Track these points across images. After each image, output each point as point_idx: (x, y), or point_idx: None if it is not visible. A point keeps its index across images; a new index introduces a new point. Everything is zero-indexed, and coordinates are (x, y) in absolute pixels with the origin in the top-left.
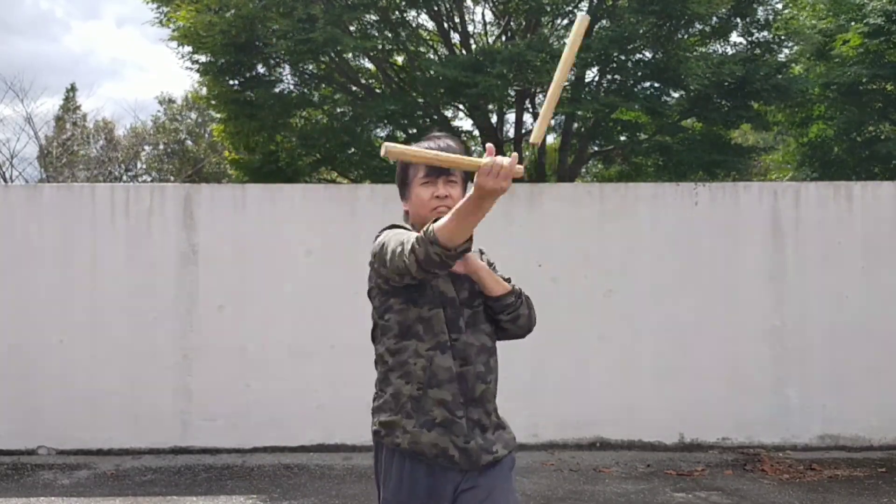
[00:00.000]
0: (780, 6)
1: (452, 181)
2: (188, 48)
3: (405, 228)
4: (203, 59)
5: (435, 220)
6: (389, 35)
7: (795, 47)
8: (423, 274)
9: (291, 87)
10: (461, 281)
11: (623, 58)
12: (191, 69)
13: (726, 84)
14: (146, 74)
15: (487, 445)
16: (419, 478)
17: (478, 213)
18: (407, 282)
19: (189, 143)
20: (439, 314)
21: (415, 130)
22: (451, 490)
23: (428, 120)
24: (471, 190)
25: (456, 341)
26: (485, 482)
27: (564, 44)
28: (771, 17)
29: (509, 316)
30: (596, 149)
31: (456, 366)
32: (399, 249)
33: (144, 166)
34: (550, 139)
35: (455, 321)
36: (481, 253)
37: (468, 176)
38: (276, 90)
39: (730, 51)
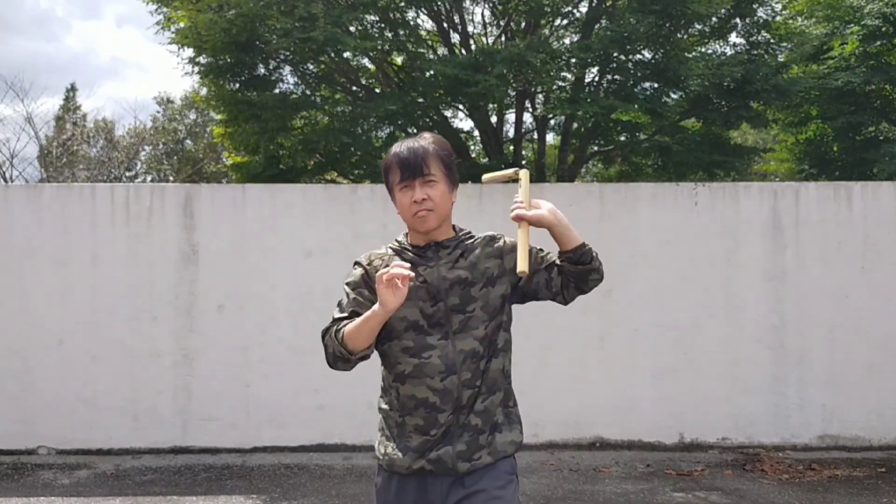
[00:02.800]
0: (778, 7)
1: (431, 181)
2: (189, 51)
3: (353, 277)
4: (204, 60)
5: (348, 319)
6: (389, 35)
7: (793, 49)
8: (332, 365)
9: (292, 87)
10: (444, 293)
11: (623, 58)
12: (191, 73)
13: (726, 84)
14: (146, 74)
15: (469, 453)
16: (407, 486)
17: (380, 325)
18: None
19: (189, 142)
20: (392, 347)
21: (414, 130)
22: (440, 488)
23: (428, 120)
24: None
25: (428, 360)
26: (472, 487)
27: (564, 44)
28: (770, 19)
29: (591, 265)
30: (596, 149)
31: (435, 383)
32: (325, 335)
33: (144, 167)
34: (550, 139)
35: (421, 343)
36: (493, 239)
37: (450, 172)
38: (277, 91)
39: (729, 51)
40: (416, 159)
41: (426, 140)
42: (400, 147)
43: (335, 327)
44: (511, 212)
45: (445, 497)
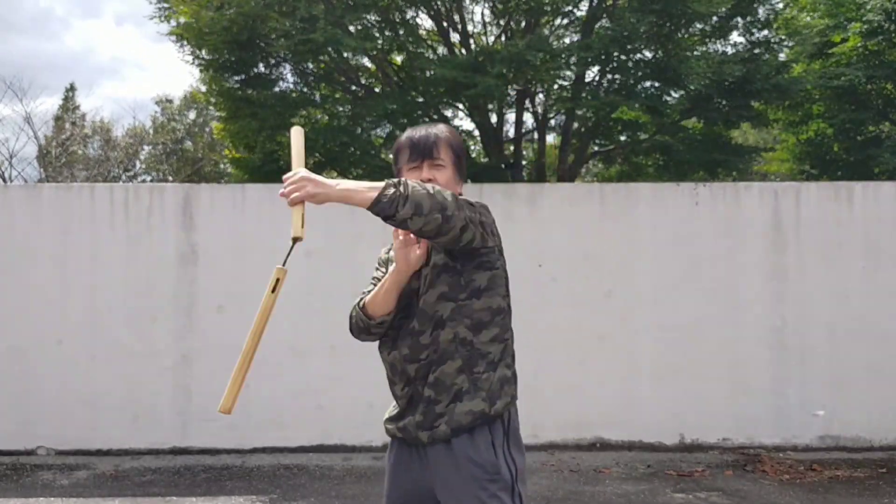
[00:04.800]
0: (780, 6)
1: (439, 165)
2: (189, 44)
3: (377, 268)
4: (205, 55)
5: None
6: (389, 35)
7: (795, 46)
8: (365, 339)
9: (292, 85)
10: (411, 276)
11: (623, 57)
12: (192, 64)
13: (726, 84)
14: (146, 73)
15: (427, 422)
16: (403, 452)
17: (396, 287)
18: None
19: (188, 142)
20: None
21: None
22: (427, 466)
23: (427, 119)
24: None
25: (395, 338)
26: (453, 487)
27: (564, 43)
28: (771, 17)
29: (397, 217)
30: (596, 148)
31: (386, 357)
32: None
33: (143, 166)
34: (550, 139)
35: (393, 321)
36: None
37: (459, 162)
38: (277, 89)
39: (730, 50)
40: (428, 142)
41: (439, 127)
42: (413, 131)
43: (359, 299)
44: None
45: (427, 474)
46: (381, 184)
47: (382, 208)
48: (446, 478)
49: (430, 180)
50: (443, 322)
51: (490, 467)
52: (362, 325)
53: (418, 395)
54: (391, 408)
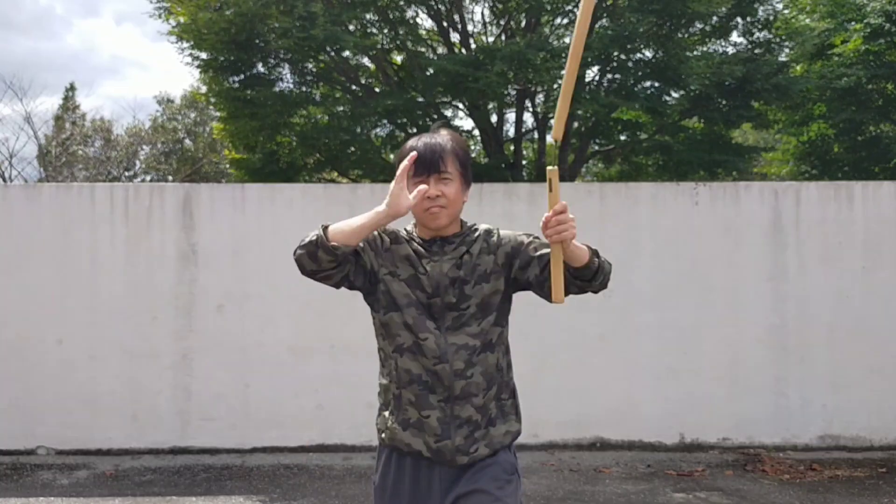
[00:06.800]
0: (780, 6)
1: (446, 178)
2: (188, 44)
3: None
4: (203, 55)
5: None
6: (389, 33)
7: (796, 48)
8: (306, 262)
9: (291, 85)
10: (443, 289)
11: (623, 57)
12: (191, 65)
13: (727, 84)
14: (146, 73)
15: (466, 446)
16: (405, 469)
17: (371, 227)
18: (308, 274)
19: (188, 142)
20: (393, 318)
21: (414, 129)
22: (438, 484)
23: (428, 119)
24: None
25: (424, 341)
26: (471, 485)
27: (564, 43)
28: (771, 17)
29: (594, 282)
30: (596, 148)
31: (429, 364)
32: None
33: (143, 166)
34: (550, 138)
35: (420, 323)
36: (489, 234)
37: (465, 171)
38: (277, 89)
39: (730, 50)
40: (433, 155)
41: (444, 137)
42: (417, 141)
43: (322, 225)
44: (550, 227)
45: (444, 490)
46: (588, 251)
47: (592, 269)
48: (469, 477)
49: (438, 196)
50: (492, 345)
51: (509, 467)
52: (317, 241)
53: (456, 416)
54: (400, 415)
